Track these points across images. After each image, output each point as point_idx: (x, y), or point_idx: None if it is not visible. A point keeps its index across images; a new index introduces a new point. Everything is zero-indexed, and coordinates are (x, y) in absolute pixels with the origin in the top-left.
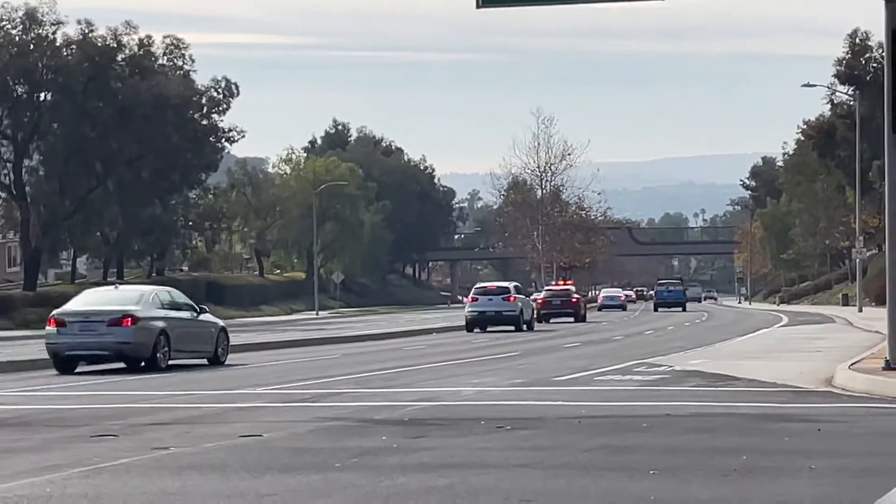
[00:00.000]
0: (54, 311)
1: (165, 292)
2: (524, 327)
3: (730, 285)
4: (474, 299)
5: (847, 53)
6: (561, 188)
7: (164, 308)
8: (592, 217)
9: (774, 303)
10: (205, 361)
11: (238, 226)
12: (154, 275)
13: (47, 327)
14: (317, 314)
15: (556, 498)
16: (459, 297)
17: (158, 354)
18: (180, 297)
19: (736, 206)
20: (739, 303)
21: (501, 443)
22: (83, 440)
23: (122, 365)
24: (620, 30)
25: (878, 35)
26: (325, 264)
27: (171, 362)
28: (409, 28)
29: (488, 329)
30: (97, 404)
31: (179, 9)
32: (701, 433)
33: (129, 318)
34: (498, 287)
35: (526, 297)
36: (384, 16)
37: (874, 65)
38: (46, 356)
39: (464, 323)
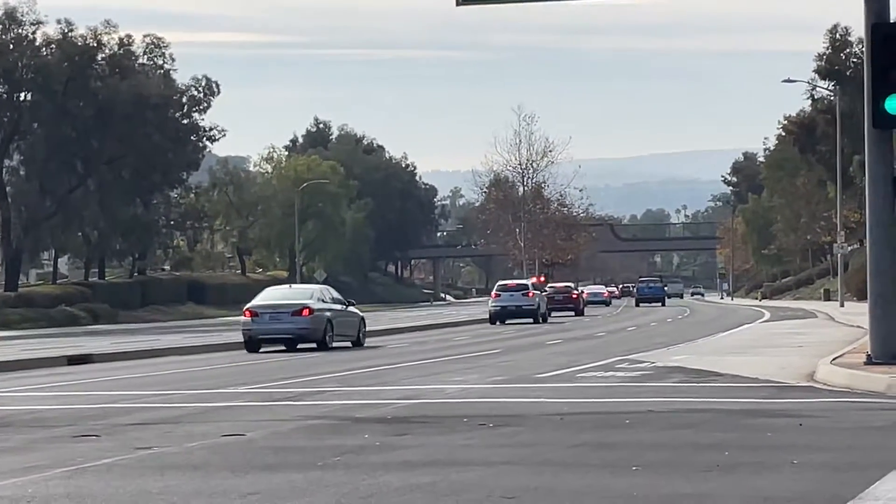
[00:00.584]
0: (248, 305)
1: (327, 290)
2: (540, 319)
3: (711, 281)
4: (497, 295)
5: (827, 49)
6: (543, 185)
7: (327, 302)
8: (574, 213)
9: (757, 298)
10: (349, 344)
11: (220, 225)
12: (136, 274)
13: (243, 317)
14: None
15: (539, 494)
16: (442, 295)
17: (327, 337)
18: (336, 294)
19: (718, 202)
20: (722, 298)
21: (484, 440)
22: (65, 440)
23: (281, 347)
24: (601, 27)
25: (858, 30)
26: (307, 263)
27: (333, 344)
28: (390, 25)
29: (507, 322)
30: (79, 405)
31: (159, 8)
32: (683, 429)
33: (307, 310)
34: (518, 284)
35: (541, 293)
36: (364, 13)
37: (854, 60)
38: (29, 357)
39: (455, 320)
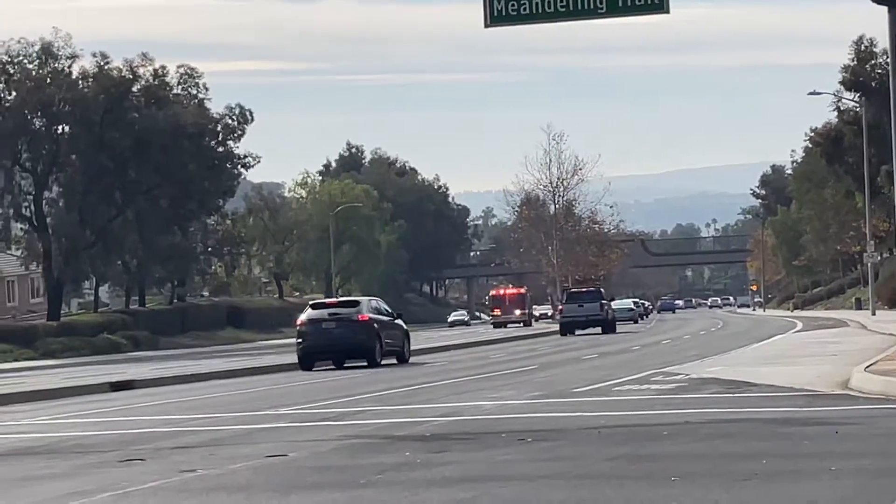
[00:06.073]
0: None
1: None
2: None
3: (743, 293)
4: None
5: (852, 60)
6: (573, 203)
7: (611, 308)
8: (605, 230)
9: (788, 309)
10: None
11: (256, 250)
12: (176, 301)
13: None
14: None
15: None
16: (477, 314)
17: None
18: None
19: (747, 215)
20: (754, 310)
21: (523, 455)
22: (110, 465)
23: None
24: (628, 45)
25: (884, 42)
26: (343, 285)
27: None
28: (419, 50)
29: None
30: (123, 430)
31: (192, 39)
32: (720, 439)
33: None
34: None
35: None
36: (393, 38)
37: (879, 71)
38: (72, 384)
39: (490, 338)
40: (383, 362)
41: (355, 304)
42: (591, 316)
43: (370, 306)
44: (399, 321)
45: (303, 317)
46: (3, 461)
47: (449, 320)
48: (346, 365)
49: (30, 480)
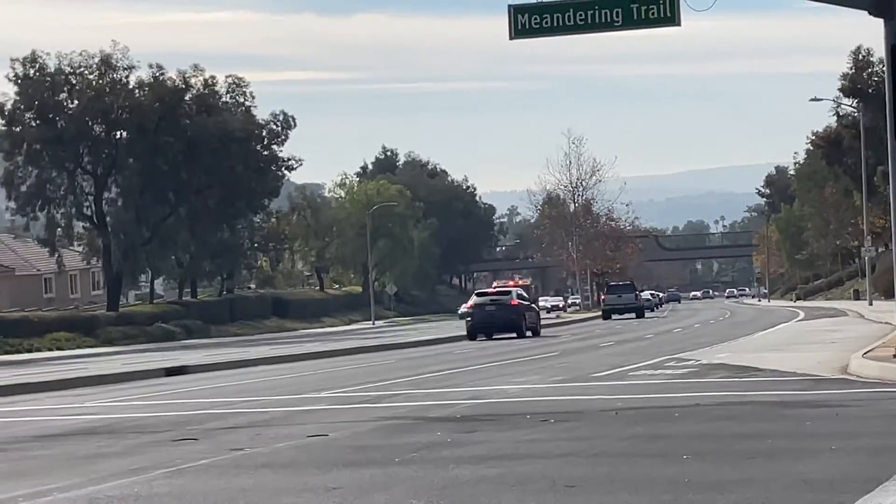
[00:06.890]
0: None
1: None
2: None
3: (750, 285)
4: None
5: (851, 69)
6: (592, 201)
7: (644, 297)
8: (621, 227)
9: (791, 300)
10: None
11: (299, 246)
12: (225, 293)
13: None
14: (373, 324)
15: (598, 483)
16: None
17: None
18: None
19: (753, 213)
20: (759, 301)
21: (546, 434)
22: (165, 444)
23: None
24: (643, 55)
25: (880, 51)
26: (379, 278)
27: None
28: (449, 60)
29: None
30: (177, 412)
31: (239, 51)
32: (728, 420)
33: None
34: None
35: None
36: (424, 49)
37: (876, 78)
38: (130, 370)
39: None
40: (528, 334)
41: (508, 293)
42: (628, 304)
43: (518, 294)
44: (534, 305)
45: (470, 302)
46: (69, 440)
47: (459, 312)
48: (494, 337)
49: (92, 458)
